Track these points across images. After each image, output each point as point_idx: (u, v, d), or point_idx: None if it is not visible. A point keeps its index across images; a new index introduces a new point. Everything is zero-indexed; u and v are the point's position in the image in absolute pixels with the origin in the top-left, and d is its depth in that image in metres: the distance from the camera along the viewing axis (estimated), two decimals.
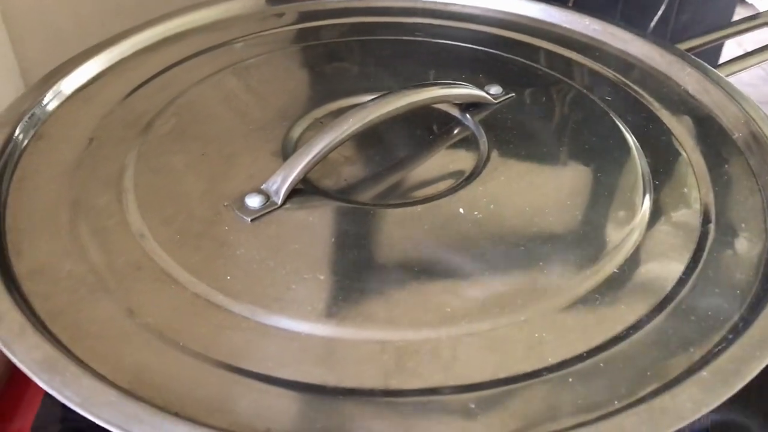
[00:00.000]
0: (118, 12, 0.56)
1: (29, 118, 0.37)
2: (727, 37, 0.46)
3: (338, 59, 0.45)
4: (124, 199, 0.33)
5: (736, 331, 0.27)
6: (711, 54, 0.53)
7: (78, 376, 0.24)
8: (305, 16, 0.48)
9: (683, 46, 0.45)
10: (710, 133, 0.38)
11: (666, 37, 0.58)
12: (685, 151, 0.37)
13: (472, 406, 0.25)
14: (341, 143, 0.34)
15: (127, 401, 0.24)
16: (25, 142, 0.36)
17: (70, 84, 0.39)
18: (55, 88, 0.39)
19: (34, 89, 0.38)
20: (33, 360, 0.25)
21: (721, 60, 0.51)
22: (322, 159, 0.33)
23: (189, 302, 0.28)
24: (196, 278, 0.29)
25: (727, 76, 0.41)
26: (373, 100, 0.35)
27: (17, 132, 0.36)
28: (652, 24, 0.57)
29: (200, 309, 0.28)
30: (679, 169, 0.36)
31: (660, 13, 0.56)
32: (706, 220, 0.33)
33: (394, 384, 0.25)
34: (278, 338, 0.27)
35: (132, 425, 0.23)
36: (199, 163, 0.35)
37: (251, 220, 0.32)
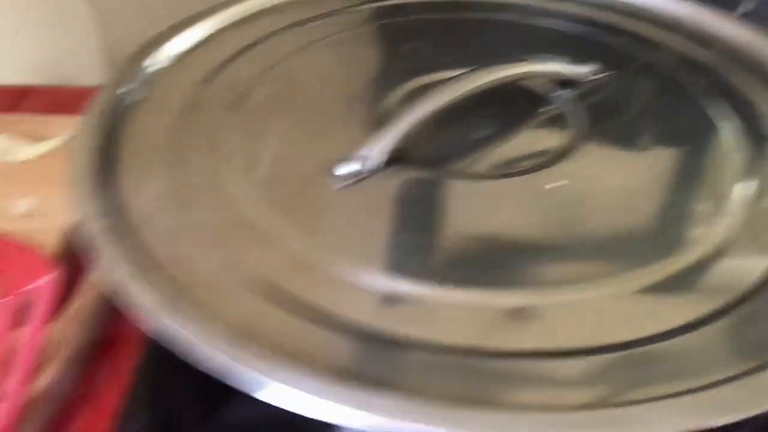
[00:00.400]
0: None
1: (126, 89, 0.38)
2: None
3: (428, 36, 0.45)
4: (221, 161, 0.34)
5: None
6: None
7: (188, 320, 0.25)
8: None
9: None
10: None
11: None
12: None
13: (567, 371, 0.25)
14: (434, 114, 0.34)
15: (235, 346, 0.24)
16: (124, 111, 0.37)
17: (169, 51, 0.41)
18: (155, 54, 0.40)
19: (136, 54, 0.39)
20: (143, 304, 0.26)
21: None
22: (414, 129, 0.34)
23: (287, 259, 0.29)
24: (294, 235, 0.30)
25: None
26: (466, 72, 0.35)
27: (114, 104, 0.37)
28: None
29: (299, 266, 0.29)
30: None
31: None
32: None
33: (491, 344, 0.26)
34: (376, 296, 0.28)
35: (241, 368, 0.24)
36: (294, 130, 0.36)
37: (345, 186, 0.32)
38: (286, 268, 0.29)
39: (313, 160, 0.34)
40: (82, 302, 0.38)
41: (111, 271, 0.27)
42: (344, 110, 0.37)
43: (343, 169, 0.33)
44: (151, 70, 0.39)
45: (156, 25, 0.42)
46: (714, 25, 0.44)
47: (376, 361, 0.25)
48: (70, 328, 0.36)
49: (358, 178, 0.33)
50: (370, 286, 0.28)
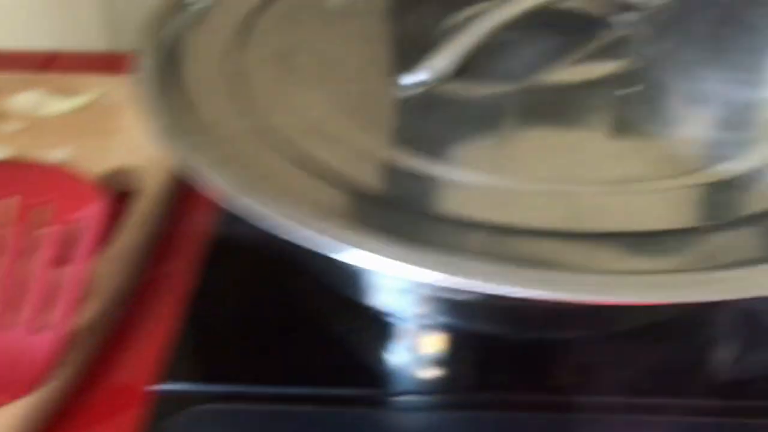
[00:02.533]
0: None
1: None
2: None
3: None
4: (287, 73, 0.33)
5: None
6: None
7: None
8: None
9: None
10: None
11: None
12: None
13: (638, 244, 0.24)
14: (499, 29, 0.33)
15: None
16: (187, 22, 0.36)
17: None
18: None
19: None
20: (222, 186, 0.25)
21: None
22: (480, 43, 0.33)
23: (355, 156, 0.28)
24: (362, 135, 0.29)
25: None
26: None
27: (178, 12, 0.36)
28: None
29: (368, 158, 0.28)
30: None
31: None
32: None
33: (571, 224, 0.25)
34: (445, 186, 0.27)
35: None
36: (359, 46, 0.36)
37: (410, 95, 0.32)
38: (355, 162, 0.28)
39: (378, 72, 0.34)
40: (126, 239, 0.37)
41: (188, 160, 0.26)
42: (409, 28, 0.37)
43: (408, 79, 0.32)
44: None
45: None
46: None
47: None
48: (114, 264, 0.36)
49: (422, 88, 0.32)
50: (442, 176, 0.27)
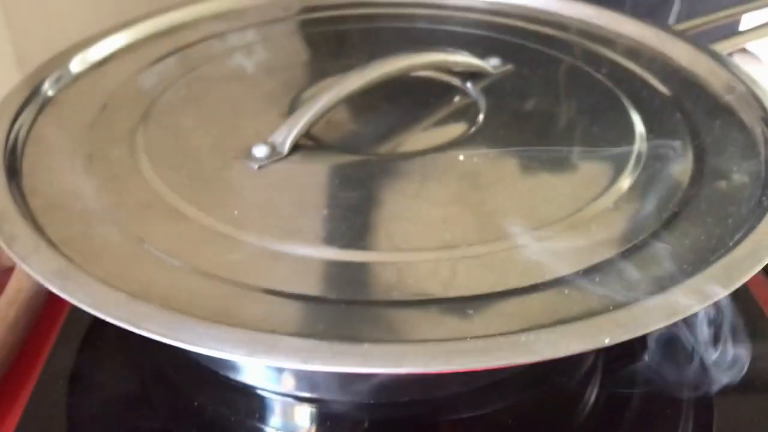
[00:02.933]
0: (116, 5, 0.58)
1: (46, 85, 0.38)
2: (721, 19, 0.48)
3: (343, 43, 0.47)
4: (136, 152, 0.34)
5: (727, 249, 0.28)
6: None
7: (89, 282, 0.25)
8: (311, 8, 0.50)
9: (680, 27, 0.46)
10: (702, 95, 0.39)
11: None
12: (680, 111, 0.38)
13: (470, 311, 0.25)
14: (345, 98, 0.35)
15: (137, 301, 0.24)
16: (43, 105, 0.37)
17: (87, 59, 0.41)
18: (71, 61, 0.41)
19: (51, 61, 0.40)
20: (48, 270, 0.26)
21: None
22: (326, 112, 0.35)
23: (197, 233, 0.29)
24: (204, 213, 0.30)
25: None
26: (376, 61, 0.36)
27: (35, 96, 0.37)
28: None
29: (208, 238, 0.29)
30: (673, 125, 0.37)
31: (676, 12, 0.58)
32: (699, 165, 0.33)
33: (395, 296, 0.26)
34: (283, 260, 0.28)
35: (141, 321, 0.24)
36: (208, 124, 0.37)
37: (258, 168, 0.33)
38: (194, 240, 0.29)
39: (226, 147, 0.34)
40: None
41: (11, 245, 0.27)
42: (260, 105, 0.38)
43: (254, 153, 0.33)
44: (67, 75, 0.40)
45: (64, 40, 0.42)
46: (616, 24, 0.46)
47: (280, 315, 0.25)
48: None
49: (270, 160, 0.33)
50: (281, 251, 0.28)
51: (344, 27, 0.48)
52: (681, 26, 0.46)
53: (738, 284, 0.26)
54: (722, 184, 0.32)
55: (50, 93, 0.38)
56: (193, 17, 0.47)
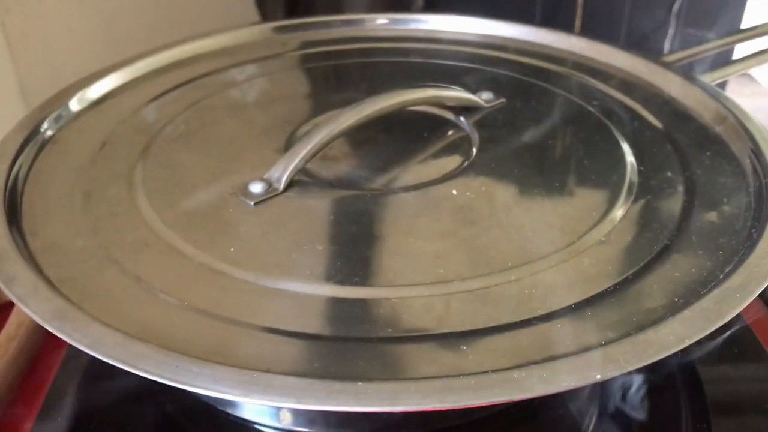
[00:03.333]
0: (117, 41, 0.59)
1: (46, 124, 0.39)
2: (714, 49, 0.48)
3: (339, 78, 0.48)
4: (134, 189, 0.35)
5: (718, 282, 0.28)
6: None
7: (87, 322, 0.26)
8: (308, 44, 0.51)
9: (669, 58, 0.47)
10: (693, 127, 0.40)
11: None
12: (670, 143, 0.38)
13: (464, 347, 0.26)
14: (340, 135, 0.36)
15: (133, 341, 0.25)
16: (43, 144, 0.38)
17: (86, 97, 0.42)
18: (71, 100, 0.41)
19: (51, 100, 0.41)
20: (45, 311, 0.26)
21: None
22: (321, 148, 0.35)
23: (194, 271, 0.30)
24: (201, 251, 0.31)
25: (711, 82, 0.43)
26: (370, 98, 0.37)
27: (35, 135, 0.38)
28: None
29: (205, 276, 0.29)
30: (663, 157, 0.37)
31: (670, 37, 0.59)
32: (689, 197, 0.34)
33: (390, 332, 0.26)
34: (279, 298, 0.28)
35: (138, 361, 0.24)
36: (206, 160, 0.37)
37: (254, 204, 0.33)
38: (190, 278, 0.29)
39: (223, 184, 0.35)
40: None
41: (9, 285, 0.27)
42: (256, 142, 0.39)
43: (251, 190, 0.34)
44: (67, 113, 0.40)
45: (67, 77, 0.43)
46: (607, 56, 0.47)
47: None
48: None
49: (266, 197, 0.34)
50: (277, 288, 0.29)
51: (341, 62, 0.49)
52: (674, 56, 0.47)
53: (729, 317, 0.26)
54: (713, 215, 0.32)
55: (50, 132, 0.39)
56: (191, 54, 0.48)
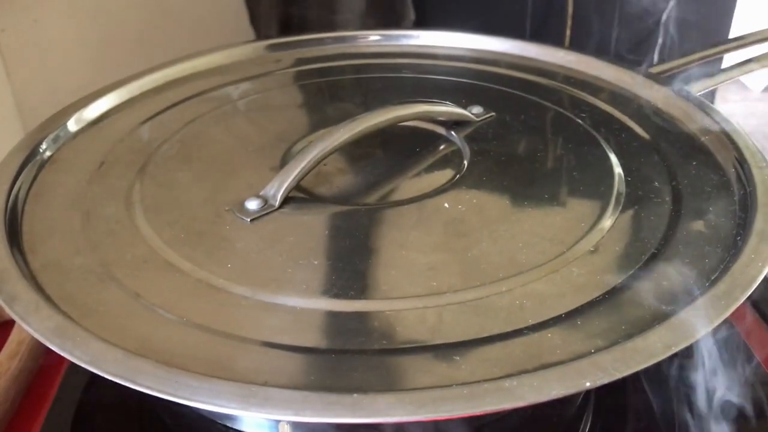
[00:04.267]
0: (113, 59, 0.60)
1: (45, 144, 0.40)
2: (701, 59, 0.49)
3: (333, 94, 0.48)
4: (132, 207, 0.35)
5: (704, 289, 0.29)
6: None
7: (87, 339, 0.26)
8: (301, 61, 0.52)
9: (656, 69, 0.48)
10: (679, 138, 0.41)
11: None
12: (657, 153, 0.39)
13: (457, 358, 0.26)
14: (333, 151, 0.36)
15: (133, 357, 0.25)
16: (42, 164, 0.39)
17: (83, 117, 0.43)
18: (69, 120, 0.42)
19: (49, 121, 0.41)
20: (46, 329, 0.27)
21: None
22: (315, 165, 0.36)
23: (192, 286, 0.30)
24: (199, 267, 0.31)
25: (697, 92, 0.44)
26: (363, 114, 0.38)
27: (34, 156, 0.39)
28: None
29: (202, 291, 0.30)
30: (651, 168, 0.38)
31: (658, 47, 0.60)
32: (676, 206, 0.35)
33: (385, 344, 0.27)
34: (275, 312, 0.29)
35: (137, 377, 0.25)
36: (202, 178, 0.38)
37: (250, 221, 0.34)
38: (188, 294, 0.30)
39: (219, 201, 0.35)
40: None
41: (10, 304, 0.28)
42: (252, 159, 0.39)
43: (247, 206, 0.35)
44: (66, 133, 0.41)
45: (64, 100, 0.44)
46: (595, 69, 0.48)
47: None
48: None
49: (262, 213, 0.34)
50: (273, 303, 0.29)
51: (334, 78, 0.50)
52: (661, 67, 0.48)
53: (715, 324, 0.27)
54: (699, 224, 0.33)
55: (49, 152, 0.39)
56: (187, 73, 0.48)
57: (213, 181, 0.37)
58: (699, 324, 0.27)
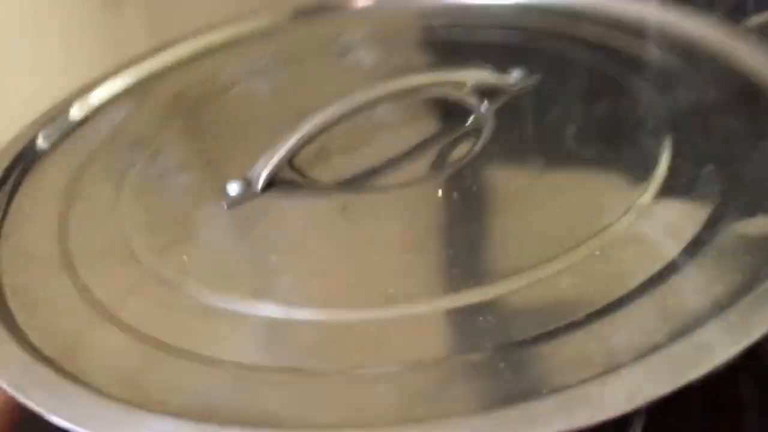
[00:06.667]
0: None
1: (43, 134, 0.38)
2: None
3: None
4: (121, 191, 0.33)
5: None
6: None
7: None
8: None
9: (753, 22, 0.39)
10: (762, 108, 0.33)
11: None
12: (724, 128, 0.32)
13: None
14: (324, 129, 0.33)
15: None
16: (41, 152, 0.38)
17: (86, 103, 0.41)
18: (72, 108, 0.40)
19: (48, 112, 0.40)
20: None
21: None
22: (302, 146, 0.32)
23: (140, 280, 0.28)
24: (156, 258, 0.29)
25: None
26: (361, 88, 0.33)
27: (32, 146, 0.38)
28: None
29: (148, 287, 0.28)
30: (712, 147, 0.31)
31: None
32: (725, 198, 0.28)
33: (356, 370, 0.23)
34: (215, 317, 0.26)
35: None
36: (198, 162, 0.36)
37: (227, 206, 0.31)
38: (134, 289, 0.28)
39: (202, 185, 0.34)
40: None
41: None
42: (244, 143, 0.36)
43: (228, 190, 0.32)
44: (60, 124, 0.40)
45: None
46: (670, 20, 0.40)
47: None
48: None
49: (242, 198, 0.31)
50: (215, 306, 0.27)
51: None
52: (760, 18, 0.39)
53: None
54: (745, 226, 0.26)
55: (47, 141, 0.38)
56: (186, 55, 0.44)
57: (199, 165, 0.35)
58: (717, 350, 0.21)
